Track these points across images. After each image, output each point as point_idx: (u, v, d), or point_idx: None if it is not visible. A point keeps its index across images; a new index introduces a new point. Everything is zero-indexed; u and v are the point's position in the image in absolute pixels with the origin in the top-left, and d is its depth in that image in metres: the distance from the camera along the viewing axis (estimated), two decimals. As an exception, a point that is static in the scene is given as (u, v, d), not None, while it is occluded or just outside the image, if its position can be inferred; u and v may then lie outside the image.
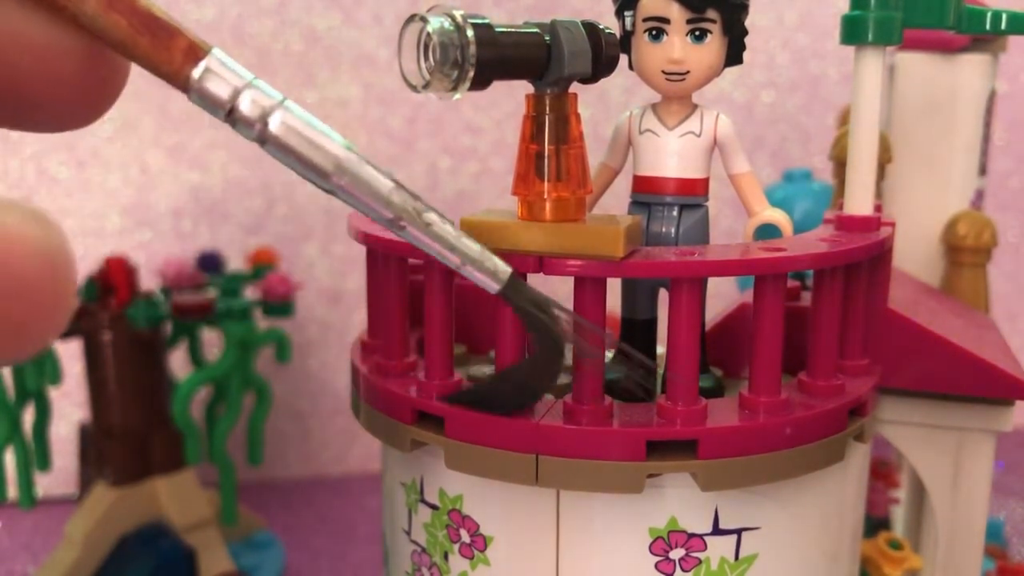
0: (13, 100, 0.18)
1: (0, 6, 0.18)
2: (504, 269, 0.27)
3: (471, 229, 0.29)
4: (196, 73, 0.20)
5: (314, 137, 0.22)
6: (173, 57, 0.20)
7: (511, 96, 0.73)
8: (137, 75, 0.20)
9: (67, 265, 0.15)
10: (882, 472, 0.55)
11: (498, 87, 0.28)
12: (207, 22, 0.70)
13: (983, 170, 0.51)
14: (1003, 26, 0.34)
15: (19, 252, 0.14)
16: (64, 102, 0.19)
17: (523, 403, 0.30)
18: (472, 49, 0.26)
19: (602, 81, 0.31)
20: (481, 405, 0.30)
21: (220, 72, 0.21)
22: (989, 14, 0.34)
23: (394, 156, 0.74)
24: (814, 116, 0.78)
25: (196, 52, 0.20)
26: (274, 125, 0.22)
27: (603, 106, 0.74)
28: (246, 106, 0.21)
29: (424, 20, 0.26)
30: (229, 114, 0.21)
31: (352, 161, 0.23)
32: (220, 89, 0.21)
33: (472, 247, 0.26)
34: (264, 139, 0.22)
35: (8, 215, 0.14)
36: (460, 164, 0.75)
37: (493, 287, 0.27)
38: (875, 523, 0.52)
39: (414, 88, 0.27)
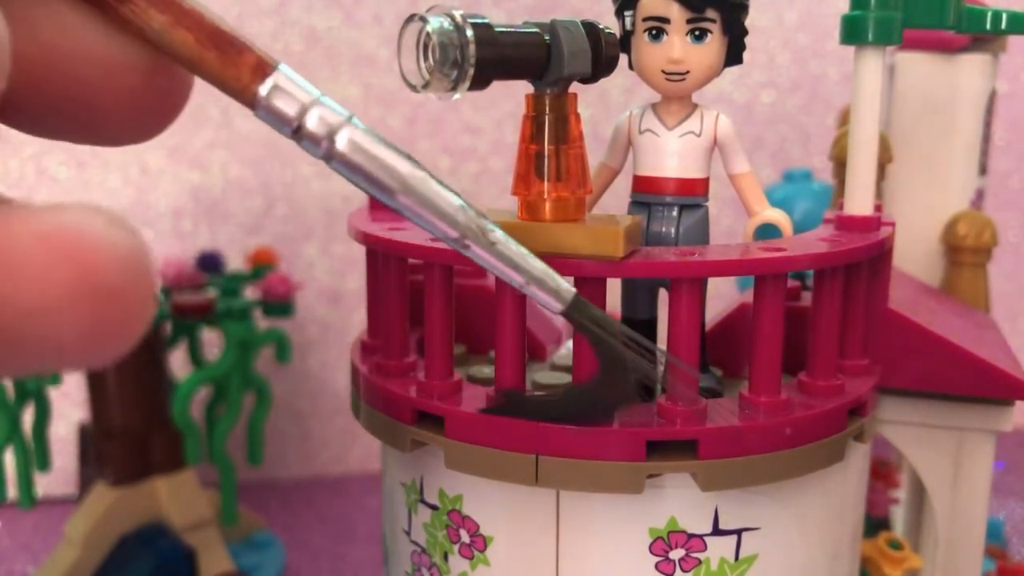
0: (83, 114, 0.18)
1: (69, 22, 0.18)
2: (568, 289, 0.27)
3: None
4: (263, 90, 0.20)
5: (380, 155, 0.22)
6: (240, 73, 0.20)
7: (511, 96, 0.73)
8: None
9: (149, 268, 0.15)
10: (882, 472, 0.55)
11: (498, 87, 0.28)
12: (207, 22, 0.70)
13: (983, 170, 0.51)
14: (1003, 26, 0.34)
15: (107, 258, 0.14)
16: (130, 116, 0.19)
17: (591, 422, 0.29)
18: (472, 49, 0.26)
19: (602, 81, 0.31)
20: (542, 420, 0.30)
21: (288, 88, 0.20)
22: (989, 14, 0.34)
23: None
24: (814, 116, 0.78)
25: (264, 68, 0.20)
26: (341, 143, 0.21)
27: (603, 106, 0.74)
28: (313, 123, 0.21)
29: (424, 20, 0.26)
30: (296, 131, 0.21)
31: (418, 179, 0.23)
32: (287, 106, 0.20)
33: (536, 266, 0.26)
34: (330, 156, 0.21)
35: (94, 221, 0.14)
36: (460, 164, 0.75)
37: (556, 307, 0.27)
38: (875, 523, 0.52)
39: (414, 88, 0.27)
